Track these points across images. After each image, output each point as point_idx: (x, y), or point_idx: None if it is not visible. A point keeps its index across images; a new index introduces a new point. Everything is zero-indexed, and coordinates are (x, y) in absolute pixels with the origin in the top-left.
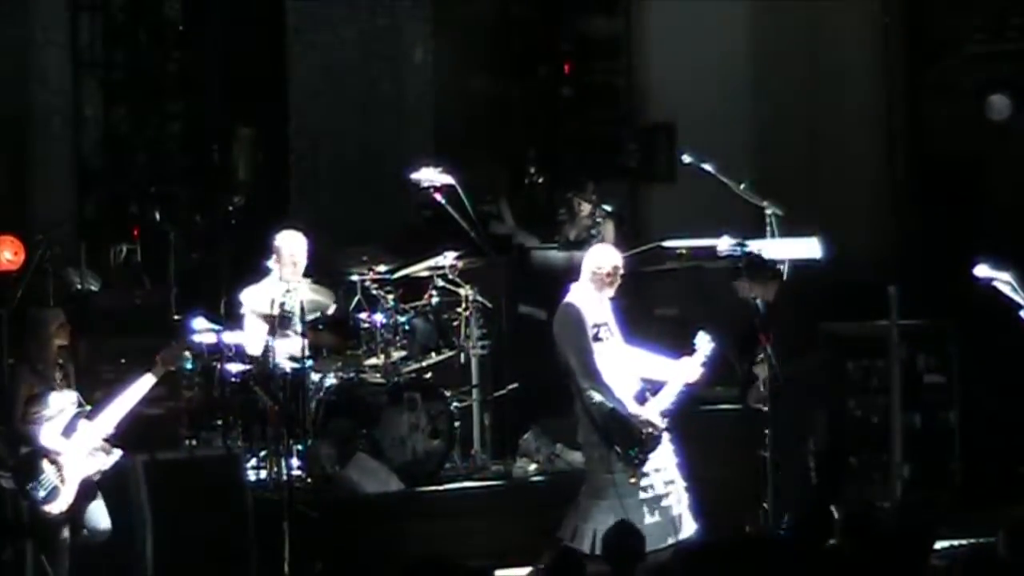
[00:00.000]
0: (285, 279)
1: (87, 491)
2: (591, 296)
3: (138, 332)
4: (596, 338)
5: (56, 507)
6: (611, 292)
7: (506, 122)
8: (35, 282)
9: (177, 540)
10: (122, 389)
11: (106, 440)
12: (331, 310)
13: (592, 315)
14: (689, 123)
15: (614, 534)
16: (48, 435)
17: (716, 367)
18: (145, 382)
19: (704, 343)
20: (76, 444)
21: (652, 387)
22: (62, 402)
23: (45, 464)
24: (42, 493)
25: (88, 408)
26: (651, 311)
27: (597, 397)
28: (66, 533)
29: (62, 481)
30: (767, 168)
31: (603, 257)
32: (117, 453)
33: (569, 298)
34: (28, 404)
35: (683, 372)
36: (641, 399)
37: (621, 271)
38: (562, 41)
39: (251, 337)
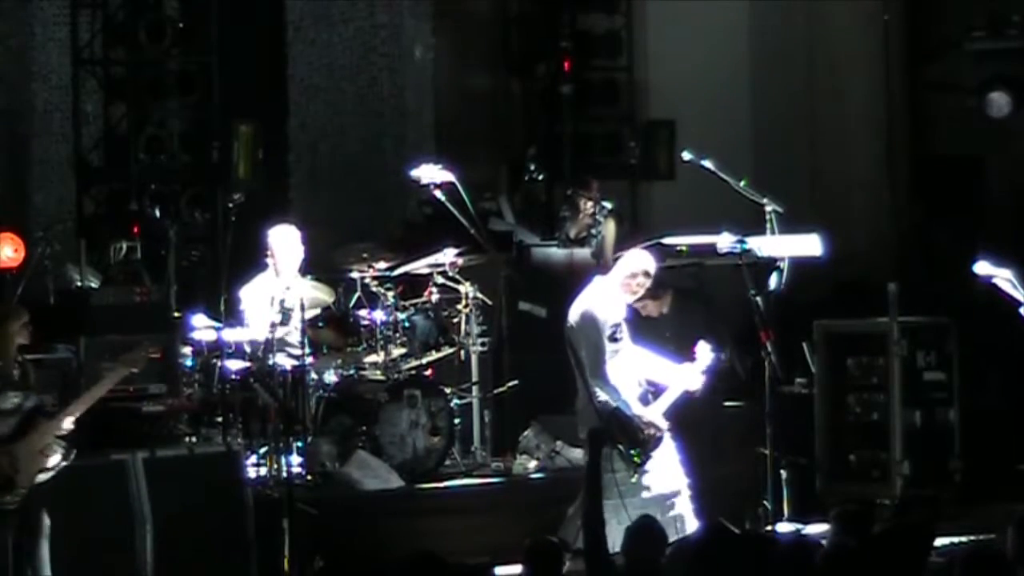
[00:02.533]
0: (281, 274)
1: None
2: (615, 296)
3: (138, 329)
4: (613, 338)
5: (9, 497)
6: (633, 299)
7: (506, 119)
8: (35, 279)
9: (177, 537)
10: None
11: (65, 439)
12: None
13: (612, 315)
14: (689, 120)
15: (637, 529)
16: (2, 429)
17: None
18: (105, 383)
19: (704, 353)
20: (31, 440)
21: (654, 389)
22: (18, 399)
23: None
24: None
25: (48, 407)
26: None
27: (602, 396)
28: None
29: (16, 472)
30: (767, 165)
31: (639, 264)
32: (72, 455)
33: (592, 294)
34: None
35: (683, 379)
36: (645, 400)
37: (651, 282)
38: (562, 38)
39: (251, 334)
